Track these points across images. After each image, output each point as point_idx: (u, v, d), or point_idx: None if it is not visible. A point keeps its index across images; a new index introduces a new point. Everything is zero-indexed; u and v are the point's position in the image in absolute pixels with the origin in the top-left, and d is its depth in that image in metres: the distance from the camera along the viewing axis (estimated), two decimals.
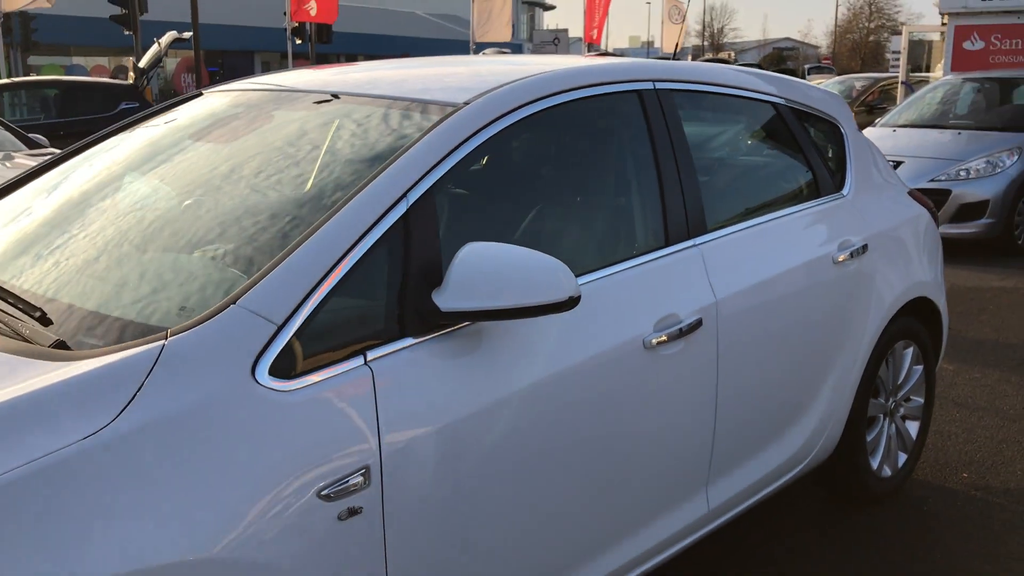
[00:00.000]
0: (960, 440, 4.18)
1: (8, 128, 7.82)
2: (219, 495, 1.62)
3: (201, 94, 2.94)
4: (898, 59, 20.77)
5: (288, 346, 1.76)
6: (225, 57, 35.65)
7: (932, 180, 8.32)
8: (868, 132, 9.32)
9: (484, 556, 2.07)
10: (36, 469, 1.48)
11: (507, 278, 1.93)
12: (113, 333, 1.82)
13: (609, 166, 2.71)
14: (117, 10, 18.64)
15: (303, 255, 1.85)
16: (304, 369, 1.79)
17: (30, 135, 7.90)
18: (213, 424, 1.65)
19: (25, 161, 6.91)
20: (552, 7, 63.86)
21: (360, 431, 1.81)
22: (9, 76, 15.42)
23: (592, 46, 23.33)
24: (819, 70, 44.90)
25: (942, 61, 14.88)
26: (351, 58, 36.01)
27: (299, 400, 1.75)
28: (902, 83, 16.30)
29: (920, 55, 18.23)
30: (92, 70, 32.61)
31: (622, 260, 2.47)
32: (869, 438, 3.45)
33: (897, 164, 8.37)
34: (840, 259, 3.12)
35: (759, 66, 21.31)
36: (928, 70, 17.59)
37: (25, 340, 1.81)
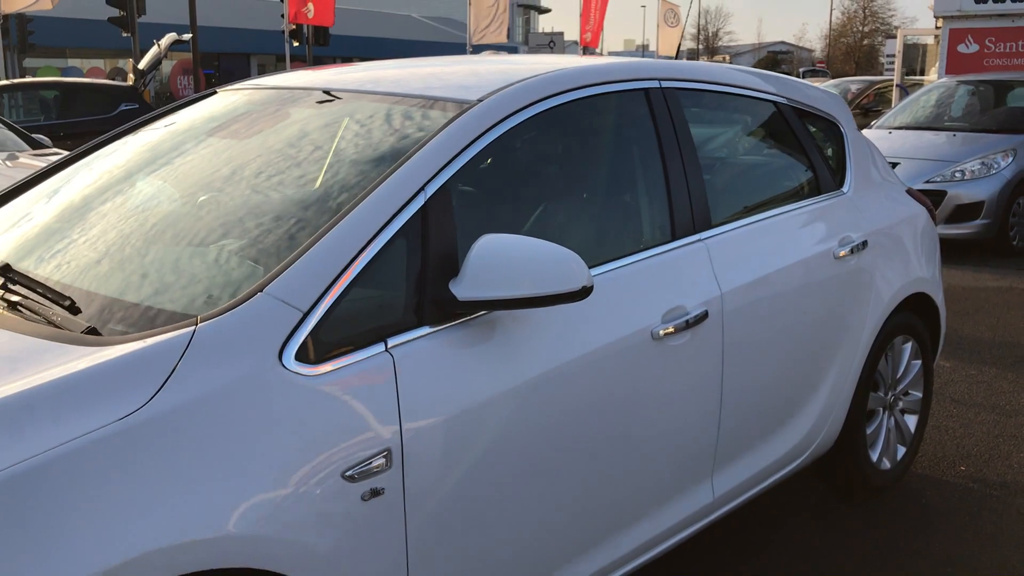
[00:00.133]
0: (957, 434, 4.25)
1: (12, 128, 7.86)
2: (249, 474, 1.68)
3: (215, 92, 3.00)
4: (892, 63, 20.89)
5: (313, 332, 1.83)
6: (221, 60, 35.70)
7: (928, 181, 8.40)
8: (864, 134, 9.39)
9: (499, 537, 2.13)
10: (78, 447, 1.54)
11: (522, 268, 1.99)
12: (142, 320, 1.88)
13: (616, 162, 2.78)
14: (115, 12, 18.69)
15: (326, 245, 1.92)
16: (328, 355, 1.85)
17: (33, 136, 7.93)
18: (243, 406, 1.71)
19: (30, 161, 6.94)
20: (547, 10, 64.04)
21: (382, 415, 1.88)
22: (6, 78, 15.43)
23: (587, 49, 23.43)
24: (814, 73, 45.13)
25: (936, 64, 14.97)
26: (347, 60, 36.01)
27: (324, 384, 1.82)
28: (897, 86, 16.39)
29: (914, 58, 18.32)
30: (88, 72, 32.60)
31: (630, 253, 2.54)
32: (869, 431, 3.52)
33: (893, 165, 8.43)
34: (840, 255, 3.19)
35: None
36: (923, 73, 17.68)
37: (56, 327, 1.87)
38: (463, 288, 1.99)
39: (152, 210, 2.39)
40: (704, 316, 2.60)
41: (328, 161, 2.35)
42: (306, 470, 1.75)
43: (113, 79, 22.58)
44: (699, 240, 2.72)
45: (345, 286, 1.90)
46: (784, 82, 3.45)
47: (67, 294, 2.00)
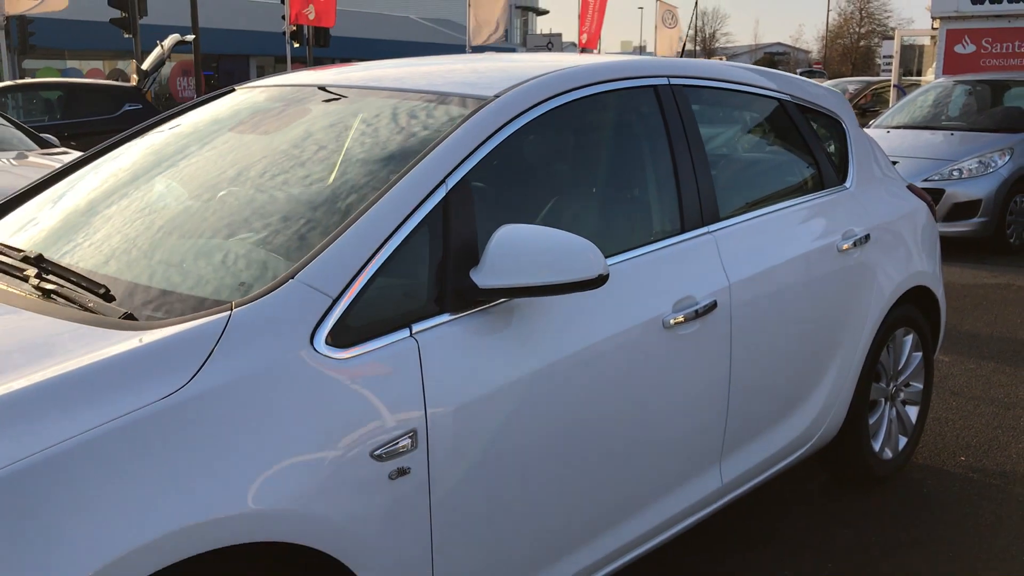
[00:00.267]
0: (957, 426, 4.33)
1: (20, 128, 7.91)
2: (282, 451, 1.76)
3: (233, 90, 3.08)
4: (889, 63, 20.97)
5: (343, 317, 1.90)
6: (220, 61, 35.75)
7: (926, 180, 8.49)
8: None
9: (517, 517, 2.21)
10: (120, 426, 1.61)
11: (540, 257, 2.07)
12: (177, 306, 1.95)
13: (627, 156, 2.85)
14: (117, 13, 18.74)
15: (354, 235, 1.99)
16: (356, 339, 1.92)
17: (41, 135, 7.98)
18: (277, 388, 1.78)
19: (39, 160, 6.99)
20: (545, 12, 64.14)
21: (407, 397, 1.95)
22: (6, 79, 15.47)
23: (585, 50, 23.50)
24: (811, 74, 45.15)
25: (933, 65, 15.06)
26: (345, 61, 36.05)
27: (353, 367, 1.89)
28: (894, 86, 16.49)
29: (912, 59, 18.42)
30: (87, 74, 32.62)
31: (641, 245, 2.61)
32: (871, 421, 3.60)
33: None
34: (844, 248, 3.27)
35: None
36: (920, 74, 17.78)
37: (93, 313, 1.94)
38: (483, 276, 2.07)
39: (179, 203, 2.46)
40: (713, 306, 2.68)
41: (350, 156, 2.42)
42: (337, 449, 1.83)
43: (114, 80, 22.62)
44: (707, 232, 2.80)
45: (371, 273, 1.97)
46: (788, 80, 3.53)
47: (101, 283, 2.07)
